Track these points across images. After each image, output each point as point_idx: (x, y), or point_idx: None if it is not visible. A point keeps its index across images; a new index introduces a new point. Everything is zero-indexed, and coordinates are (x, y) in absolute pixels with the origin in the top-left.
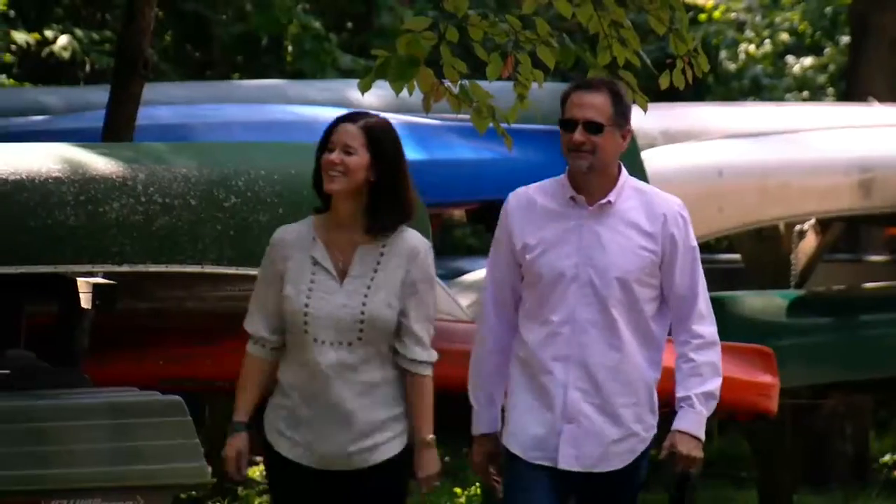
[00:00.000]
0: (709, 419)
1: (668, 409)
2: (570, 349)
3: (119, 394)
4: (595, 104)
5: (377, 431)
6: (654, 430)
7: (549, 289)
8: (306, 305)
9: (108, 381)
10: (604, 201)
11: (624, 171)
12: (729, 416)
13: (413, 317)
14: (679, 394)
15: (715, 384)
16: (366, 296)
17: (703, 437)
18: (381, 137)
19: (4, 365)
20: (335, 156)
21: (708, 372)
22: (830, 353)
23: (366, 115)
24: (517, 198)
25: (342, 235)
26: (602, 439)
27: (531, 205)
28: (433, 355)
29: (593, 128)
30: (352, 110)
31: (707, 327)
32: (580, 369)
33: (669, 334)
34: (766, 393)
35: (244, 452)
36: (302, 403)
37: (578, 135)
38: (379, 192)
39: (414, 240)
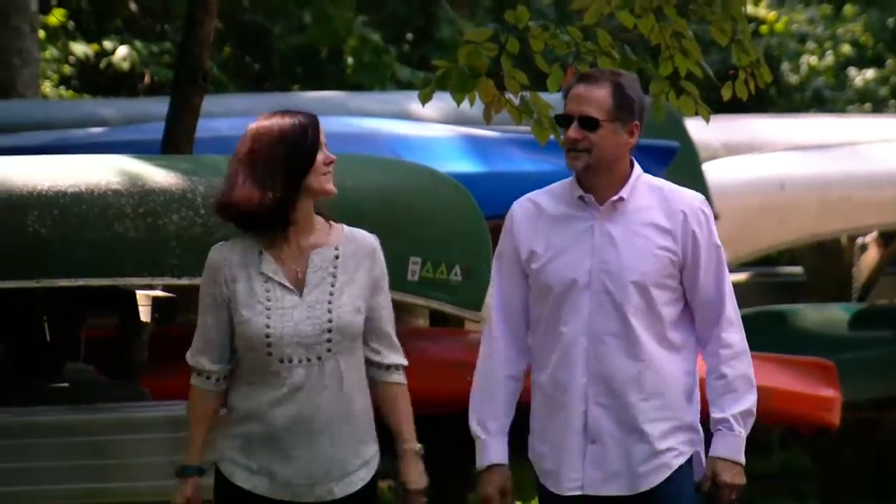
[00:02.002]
0: (770, 433)
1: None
2: (588, 363)
3: (177, 407)
4: (592, 97)
5: (348, 455)
6: (697, 445)
7: (561, 299)
8: (267, 326)
9: (167, 394)
10: (615, 198)
11: (637, 167)
12: (790, 430)
13: (382, 318)
14: (714, 415)
15: (751, 400)
16: (330, 303)
17: (743, 460)
18: None
19: (63, 378)
20: (329, 154)
21: (742, 386)
22: (892, 366)
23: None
24: (521, 205)
25: (292, 244)
26: (630, 458)
27: (537, 210)
28: (404, 360)
29: (589, 123)
30: (285, 108)
31: (735, 334)
32: (600, 384)
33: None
34: (828, 406)
35: (197, 500)
36: (264, 428)
37: (572, 131)
38: None
39: (368, 238)
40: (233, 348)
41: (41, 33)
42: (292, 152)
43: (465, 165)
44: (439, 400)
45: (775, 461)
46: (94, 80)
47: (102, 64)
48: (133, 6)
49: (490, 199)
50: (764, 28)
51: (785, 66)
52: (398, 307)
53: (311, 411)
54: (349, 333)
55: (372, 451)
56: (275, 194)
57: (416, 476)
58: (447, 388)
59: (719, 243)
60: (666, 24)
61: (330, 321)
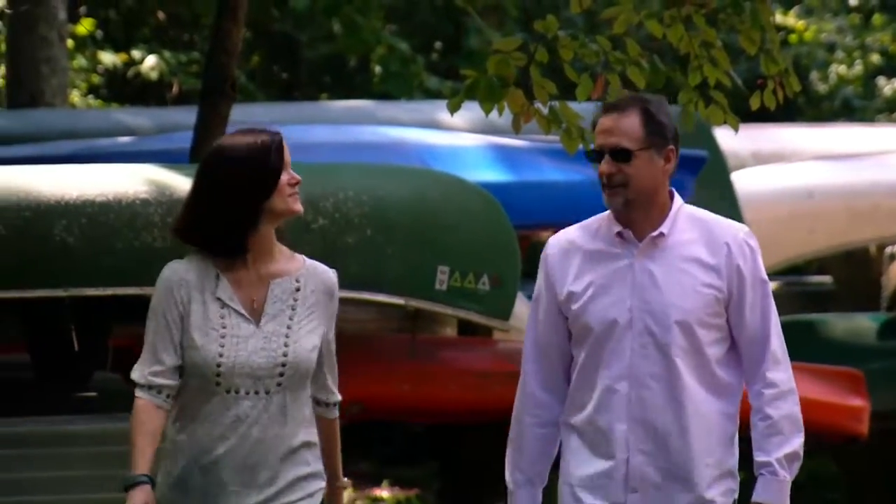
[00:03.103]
0: None
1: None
2: (630, 408)
3: None
4: (621, 128)
5: (291, 492)
6: (735, 493)
7: (601, 341)
8: (220, 355)
9: None
10: (655, 234)
11: (677, 197)
12: (818, 439)
13: (329, 357)
14: (759, 458)
15: (797, 442)
16: (287, 336)
17: None
18: None
19: (91, 388)
20: (294, 174)
21: (788, 428)
22: None
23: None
24: (556, 242)
25: (251, 270)
26: None
27: (573, 248)
28: (339, 396)
29: (621, 155)
30: (251, 126)
31: (782, 373)
32: (642, 429)
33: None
34: (857, 416)
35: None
36: (198, 467)
37: (605, 165)
38: None
39: (328, 272)
40: (179, 368)
41: (70, 43)
42: (253, 174)
43: (493, 175)
44: (466, 409)
45: (804, 470)
46: (123, 89)
47: (131, 73)
48: (161, 16)
49: (519, 208)
50: (793, 37)
51: (814, 75)
52: (426, 316)
53: (254, 446)
54: (302, 370)
55: (316, 486)
56: (233, 217)
57: None
58: (475, 397)
59: (766, 278)
60: (695, 34)
61: (285, 355)
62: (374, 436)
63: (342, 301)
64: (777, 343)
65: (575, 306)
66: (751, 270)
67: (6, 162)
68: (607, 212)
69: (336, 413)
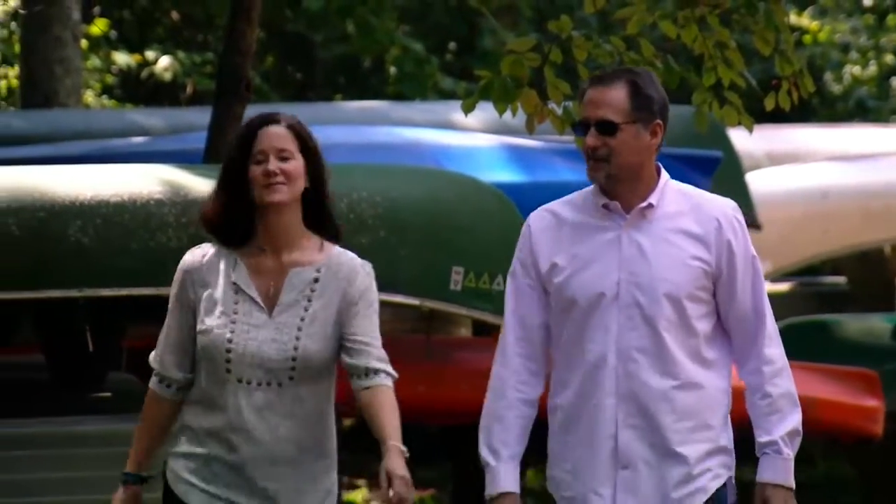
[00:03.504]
0: (813, 444)
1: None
2: (617, 382)
3: None
4: (608, 100)
5: (309, 485)
6: (731, 470)
7: (586, 314)
8: (229, 341)
9: None
10: (644, 205)
11: (664, 172)
12: (834, 440)
13: (358, 330)
14: (760, 437)
15: (796, 419)
16: (299, 329)
17: (794, 484)
18: (307, 137)
19: (106, 388)
20: (273, 164)
21: (786, 405)
22: None
23: (283, 114)
24: (538, 216)
25: (270, 259)
26: (665, 483)
27: (557, 221)
28: (388, 366)
29: (606, 128)
30: (267, 112)
31: (776, 349)
32: (630, 404)
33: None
34: (871, 416)
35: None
36: (221, 453)
37: (590, 138)
38: (316, 200)
39: (354, 261)
40: (195, 358)
41: (83, 43)
42: (227, 164)
43: (507, 175)
44: (481, 410)
45: (819, 471)
46: (137, 90)
47: (144, 74)
48: (175, 16)
49: (533, 208)
50: (807, 38)
51: (828, 75)
52: (440, 317)
53: (272, 438)
54: (314, 364)
55: (332, 479)
56: (225, 207)
57: (401, 469)
58: None
59: (755, 253)
60: (709, 34)
61: (296, 349)
62: None
63: None
64: (769, 320)
65: (558, 279)
66: (741, 246)
67: (21, 162)
68: (591, 186)
69: (375, 380)
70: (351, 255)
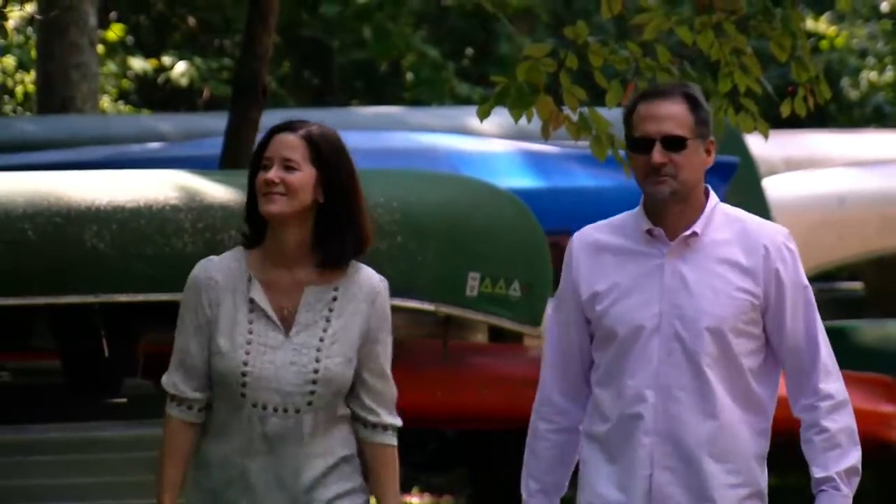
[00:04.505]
0: None
1: (782, 438)
2: (656, 420)
3: None
4: (672, 114)
5: None
6: None
7: (626, 346)
8: (245, 364)
9: None
10: (688, 233)
11: (713, 194)
12: None
13: (375, 372)
14: (817, 474)
15: (856, 456)
16: (319, 350)
17: None
18: (327, 148)
19: (122, 394)
20: (273, 173)
21: (846, 441)
22: None
23: (306, 123)
24: (581, 239)
25: (284, 274)
26: None
27: (599, 246)
28: (398, 420)
29: (674, 143)
30: (290, 119)
31: (834, 384)
32: (668, 444)
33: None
34: (888, 423)
35: None
36: (231, 484)
37: (658, 155)
38: (330, 216)
39: (373, 279)
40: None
41: (100, 48)
42: (249, 176)
43: (524, 181)
44: (497, 416)
45: None
46: (153, 95)
47: (161, 79)
48: (192, 21)
49: (549, 214)
50: (824, 43)
51: (845, 81)
52: (457, 322)
53: (288, 466)
54: (335, 388)
55: (359, 501)
56: (246, 214)
57: None
58: (505, 403)
59: (807, 283)
60: (726, 41)
61: (316, 371)
62: (405, 442)
63: None
64: (826, 352)
65: (599, 307)
66: (791, 275)
67: (37, 167)
68: (635, 209)
69: (384, 438)
70: (369, 271)
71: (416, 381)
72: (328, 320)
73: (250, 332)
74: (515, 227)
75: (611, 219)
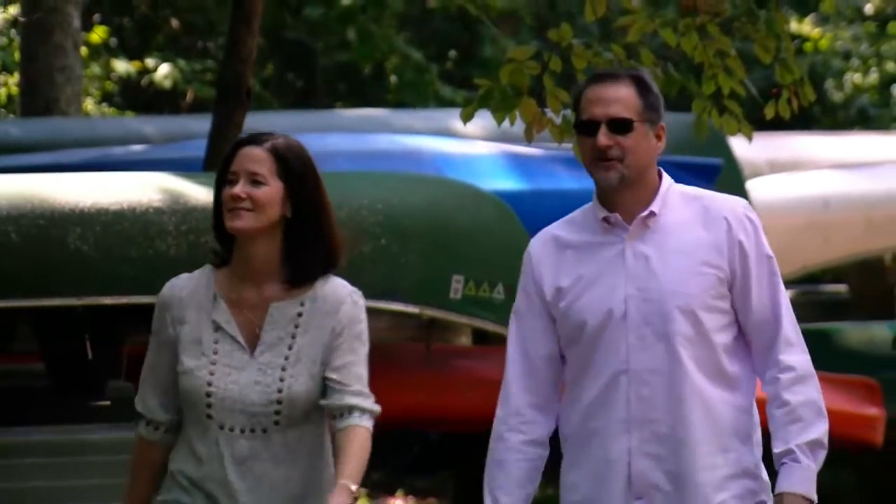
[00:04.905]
0: None
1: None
2: (629, 407)
3: None
4: (619, 97)
5: None
6: (760, 495)
7: (596, 336)
8: (209, 384)
9: None
10: (645, 213)
11: (666, 176)
12: (834, 449)
13: (340, 362)
14: (777, 448)
15: (821, 429)
16: (283, 369)
17: (815, 496)
18: (293, 161)
19: (105, 397)
20: (239, 188)
21: (809, 414)
22: None
23: (271, 135)
24: (539, 241)
25: (250, 291)
26: None
27: (558, 244)
28: (374, 406)
29: (620, 126)
30: (254, 131)
31: (798, 355)
32: (644, 430)
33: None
34: (872, 425)
35: None
36: (216, 490)
37: (603, 137)
38: (297, 231)
39: (339, 291)
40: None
41: (84, 51)
42: (215, 190)
43: (508, 183)
44: (481, 418)
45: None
46: (137, 97)
47: (144, 81)
48: (175, 24)
49: (533, 216)
50: (808, 45)
51: (829, 83)
52: (440, 325)
53: (256, 494)
54: (301, 407)
55: None
56: (214, 229)
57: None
58: (489, 406)
59: (771, 253)
60: (710, 43)
61: (280, 391)
62: (389, 445)
63: None
64: (789, 323)
65: (563, 303)
66: (754, 246)
67: (20, 170)
68: (588, 203)
69: (363, 420)
70: (338, 282)
71: (399, 384)
72: (293, 337)
73: (215, 353)
74: (499, 229)
75: (567, 217)
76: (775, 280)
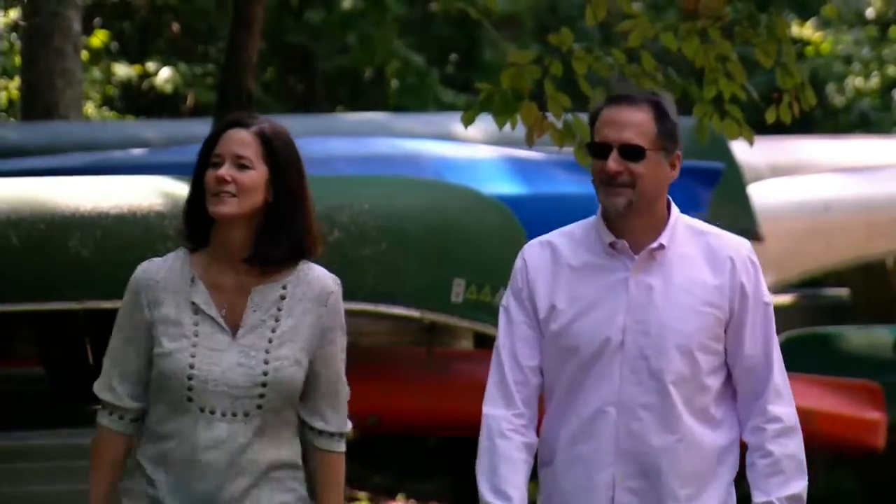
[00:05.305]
0: (817, 456)
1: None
2: (618, 440)
3: None
4: (634, 122)
5: None
6: None
7: (587, 363)
8: (191, 367)
9: None
10: (654, 245)
11: (674, 207)
12: (835, 453)
13: (325, 377)
14: (757, 498)
15: (800, 485)
16: (267, 352)
17: None
18: (280, 146)
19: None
20: (224, 170)
21: (791, 468)
22: None
23: (257, 118)
24: (536, 250)
25: (230, 275)
26: None
27: (556, 258)
28: (348, 425)
29: (632, 152)
30: (238, 114)
31: (785, 408)
32: (630, 464)
33: None
34: (873, 429)
35: None
36: (175, 491)
37: (613, 162)
38: (276, 216)
39: (324, 278)
40: (147, 385)
41: (84, 55)
42: (195, 170)
43: (509, 187)
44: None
45: (821, 484)
46: (137, 101)
47: (145, 85)
48: (176, 28)
49: (534, 220)
50: (809, 49)
51: (830, 87)
52: (442, 329)
53: (230, 470)
54: (286, 391)
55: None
56: (186, 214)
57: None
58: None
59: (769, 300)
60: (710, 47)
61: (265, 374)
62: (390, 449)
63: (357, 314)
64: (779, 373)
65: (556, 325)
66: (753, 290)
67: (21, 174)
68: (592, 218)
69: (332, 444)
70: (320, 270)
71: (400, 388)
72: (277, 320)
73: (196, 335)
74: (500, 233)
75: (566, 228)
76: (769, 327)
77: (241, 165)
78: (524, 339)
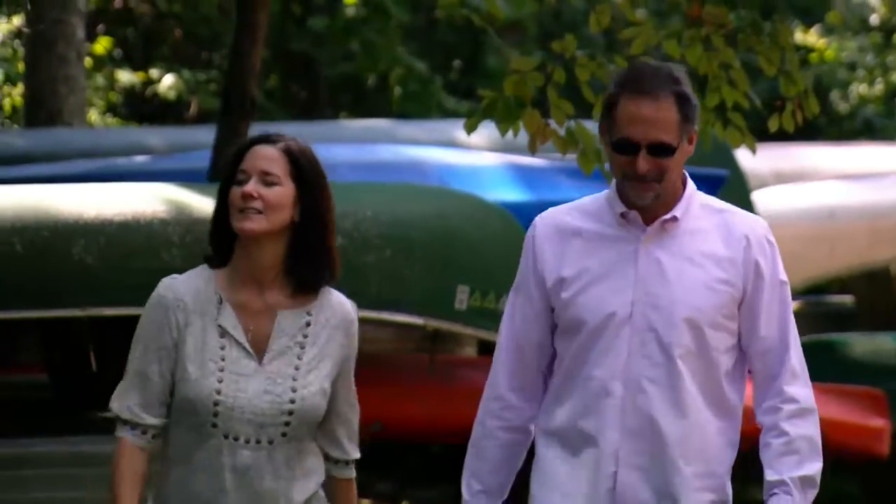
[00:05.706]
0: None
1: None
2: (623, 415)
3: None
4: (661, 119)
5: None
6: None
7: (594, 336)
8: (218, 392)
9: None
10: (667, 217)
11: (690, 181)
12: (839, 460)
13: (349, 402)
14: (770, 477)
15: (815, 467)
16: (294, 380)
17: None
18: (306, 165)
19: (109, 408)
20: (251, 186)
21: (806, 449)
22: None
23: (283, 136)
24: (545, 222)
25: (253, 296)
26: None
27: (566, 230)
28: (358, 453)
29: (662, 150)
30: (265, 132)
31: (801, 389)
32: (636, 441)
33: None
34: (878, 436)
35: None
36: None
37: (643, 162)
38: (304, 236)
39: (345, 305)
40: (168, 406)
41: (88, 61)
42: (220, 185)
43: (512, 194)
44: None
45: (826, 490)
46: (141, 108)
47: (149, 92)
48: (179, 34)
49: None
50: (813, 56)
51: (834, 94)
52: (445, 336)
53: (254, 500)
54: (310, 420)
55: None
56: (212, 231)
57: None
58: None
59: (785, 279)
60: (714, 55)
61: (292, 402)
62: (393, 455)
63: (361, 321)
64: (796, 354)
65: (565, 294)
66: (770, 269)
67: (25, 181)
68: (604, 192)
69: (346, 472)
70: (339, 296)
71: (404, 394)
72: (302, 347)
73: (222, 360)
74: (504, 240)
75: (578, 201)
76: (786, 308)
77: (268, 182)
78: (526, 314)
